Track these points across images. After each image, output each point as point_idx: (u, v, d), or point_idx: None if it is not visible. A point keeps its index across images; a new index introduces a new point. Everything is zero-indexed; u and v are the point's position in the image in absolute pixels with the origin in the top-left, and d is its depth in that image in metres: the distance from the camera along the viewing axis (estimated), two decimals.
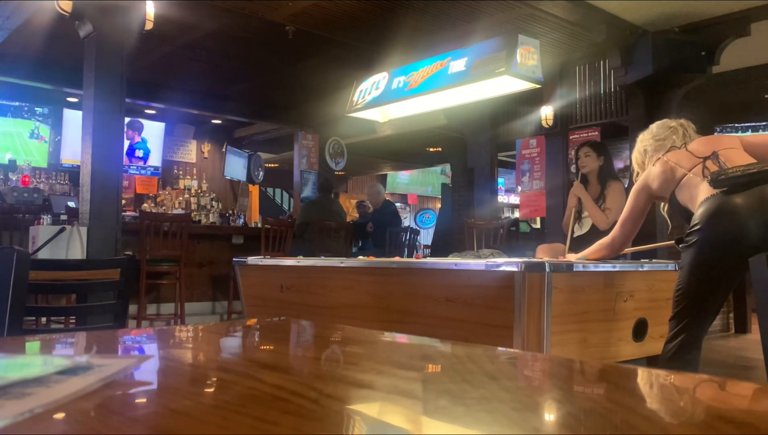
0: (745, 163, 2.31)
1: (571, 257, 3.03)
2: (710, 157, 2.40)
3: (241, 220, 8.71)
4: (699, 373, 2.25)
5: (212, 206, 9.09)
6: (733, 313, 6.14)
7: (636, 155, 2.75)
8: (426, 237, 13.03)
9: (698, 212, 2.32)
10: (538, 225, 8.79)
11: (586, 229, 4.08)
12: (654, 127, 2.70)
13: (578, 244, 4.00)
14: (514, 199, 11.62)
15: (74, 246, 4.04)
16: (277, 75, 7.19)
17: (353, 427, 0.52)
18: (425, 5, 5.15)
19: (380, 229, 7.26)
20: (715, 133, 6.84)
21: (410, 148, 11.17)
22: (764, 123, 8.21)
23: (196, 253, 6.14)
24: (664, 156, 2.54)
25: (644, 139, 2.70)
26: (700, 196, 2.36)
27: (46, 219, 4.62)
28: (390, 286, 2.81)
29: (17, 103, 8.08)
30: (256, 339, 1.11)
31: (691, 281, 2.31)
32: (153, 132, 9.18)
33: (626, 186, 4.81)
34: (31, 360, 0.83)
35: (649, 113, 5.65)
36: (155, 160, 9.22)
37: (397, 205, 11.20)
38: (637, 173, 2.74)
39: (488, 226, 6.37)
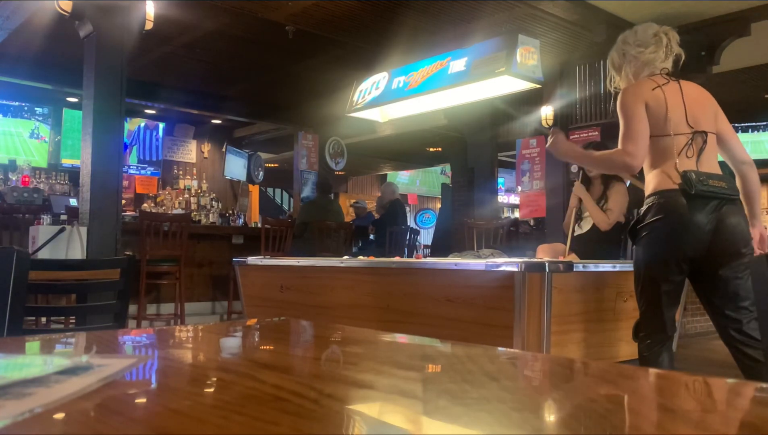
0: (718, 174, 2.32)
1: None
2: (700, 134, 2.34)
3: (241, 220, 8.72)
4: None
5: (212, 206, 9.10)
6: None
7: (614, 55, 2.59)
8: (426, 237, 13.03)
9: (659, 203, 2.29)
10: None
11: (586, 228, 4.08)
12: (639, 29, 2.55)
13: (578, 243, 4.01)
14: (514, 199, 11.62)
15: (74, 246, 4.03)
16: (277, 75, 7.19)
17: (353, 427, 0.52)
18: (425, 5, 5.15)
19: (384, 229, 7.28)
20: None
21: (410, 148, 11.17)
22: (764, 123, 8.21)
23: (196, 253, 6.14)
24: (653, 94, 2.36)
25: (627, 41, 2.54)
26: (664, 178, 2.31)
27: (46, 219, 4.62)
28: (390, 286, 2.82)
29: (17, 103, 8.09)
30: (256, 339, 1.11)
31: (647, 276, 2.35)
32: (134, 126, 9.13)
33: (627, 185, 4.80)
34: (31, 360, 0.83)
35: None
36: (143, 155, 9.16)
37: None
38: (611, 78, 2.63)
39: (488, 226, 6.37)
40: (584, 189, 4.09)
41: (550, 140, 2.59)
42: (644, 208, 2.36)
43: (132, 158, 9.01)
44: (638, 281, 2.37)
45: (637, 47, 2.50)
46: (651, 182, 2.38)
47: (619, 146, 2.38)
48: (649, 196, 2.36)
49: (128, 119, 8.57)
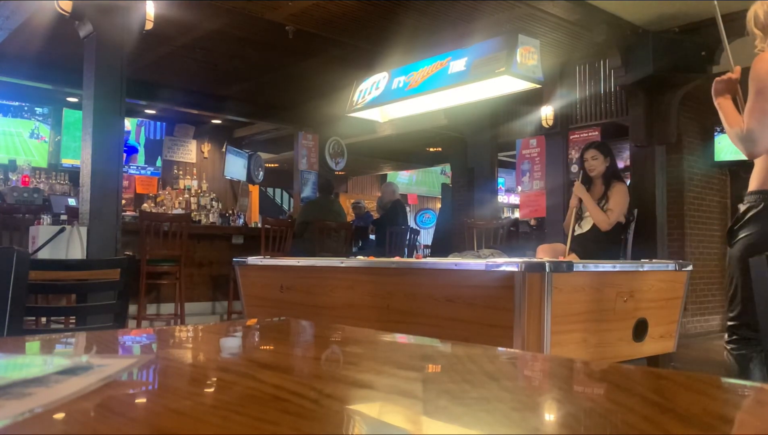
0: None
1: None
2: None
3: (241, 220, 8.72)
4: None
5: (212, 206, 9.10)
6: None
7: (759, 12, 2.25)
8: (426, 237, 13.03)
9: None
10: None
11: (587, 227, 4.09)
12: None
13: (579, 243, 4.01)
14: (514, 199, 11.62)
15: (74, 246, 4.03)
16: (277, 75, 7.19)
17: (353, 427, 0.52)
18: (425, 5, 5.14)
19: (384, 229, 7.29)
20: (716, 134, 6.84)
21: (410, 148, 11.17)
22: None
23: (196, 253, 6.14)
24: None
25: None
26: None
27: (46, 219, 4.62)
28: (390, 286, 2.81)
29: (17, 103, 8.09)
30: (256, 339, 1.11)
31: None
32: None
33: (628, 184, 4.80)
34: (31, 360, 0.83)
35: (649, 113, 5.65)
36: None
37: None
38: (753, 38, 2.30)
39: (488, 226, 6.37)
40: (584, 189, 4.10)
41: (728, 76, 2.26)
42: (746, 205, 2.14)
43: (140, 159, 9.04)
44: (731, 286, 2.19)
45: None
46: (761, 174, 2.12)
47: (744, 122, 2.07)
48: (754, 192, 2.13)
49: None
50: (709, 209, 6.92)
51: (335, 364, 0.85)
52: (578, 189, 4.09)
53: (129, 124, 8.68)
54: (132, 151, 8.95)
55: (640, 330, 2.66)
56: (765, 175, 2.11)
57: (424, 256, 5.89)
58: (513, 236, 7.18)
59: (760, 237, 2.09)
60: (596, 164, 4.11)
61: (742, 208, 2.17)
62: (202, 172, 9.77)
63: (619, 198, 4.01)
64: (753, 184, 2.15)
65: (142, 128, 9.15)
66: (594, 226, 4.02)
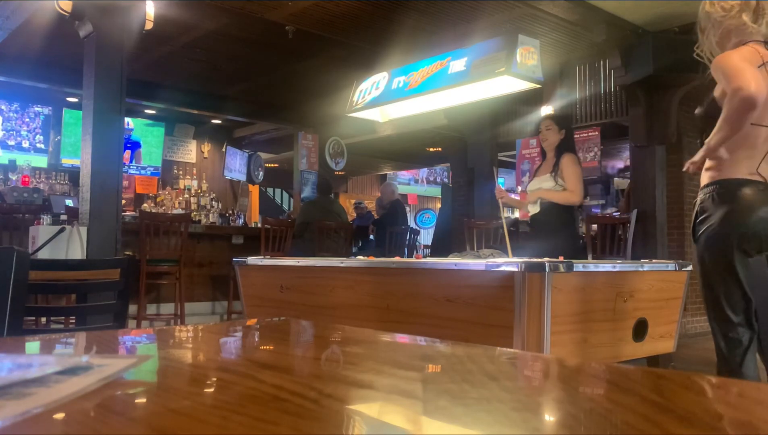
0: None
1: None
2: None
3: (241, 220, 8.72)
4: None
5: (212, 206, 9.11)
6: None
7: (701, 15, 2.27)
8: (426, 237, 13.03)
9: (720, 193, 2.13)
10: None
11: (538, 207, 4.01)
12: None
13: (535, 223, 3.98)
14: None
15: (74, 246, 4.03)
16: (277, 75, 7.19)
17: (353, 427, 0.52)
18: (425, 5, 5.15)
19: (384, 229, 7.29)
20: None
21: (410, 148, 11.17)
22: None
23: (196, 253, 6.14)
24: (758, 72, 2.05)
25: (713, 1, 2.23)
26: (730, 167, 2.12)
27: (46, 219, 4.62)
28: (390, 286, 2.81)
29: (17, 103, 8.08)
30: (256, 339, 1.11)
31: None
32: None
33: (624, 182, 4.78)
34: (31, 360, 0.83)
35: (649, 113, 5.65)
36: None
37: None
38: (698, 36, 2.32)
39: (488, 226, 6.37)
40: (507, 194, 4.19)
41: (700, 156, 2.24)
42: (699, 199, 2.20)
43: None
44: (703, 284, 2.25)
45: (721, 10, 2.19)
46: (711, 169, 2.17)
47: (727, 96, 2.05)
48: (707, 185, 2.18)
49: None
50: None
51: (335, 364, 0.85)
52: (507, 200, 4.19)
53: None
54: (135, 146, 8.94)
55: (640, 330, 2.66)
56: (721, 168, 2.17)
57: (424, 256, 5.89)
58: (513, 236, 7.17)
59: (717, 224, 2.15)
60: (548, 135, 4.02)
61: (697, 201, 2.23)
62: (202, 172, 9.78)
63: (571, 170, 3.88)
64: (707, 176, 2.22)
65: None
66: (545, 205, 3.94)
